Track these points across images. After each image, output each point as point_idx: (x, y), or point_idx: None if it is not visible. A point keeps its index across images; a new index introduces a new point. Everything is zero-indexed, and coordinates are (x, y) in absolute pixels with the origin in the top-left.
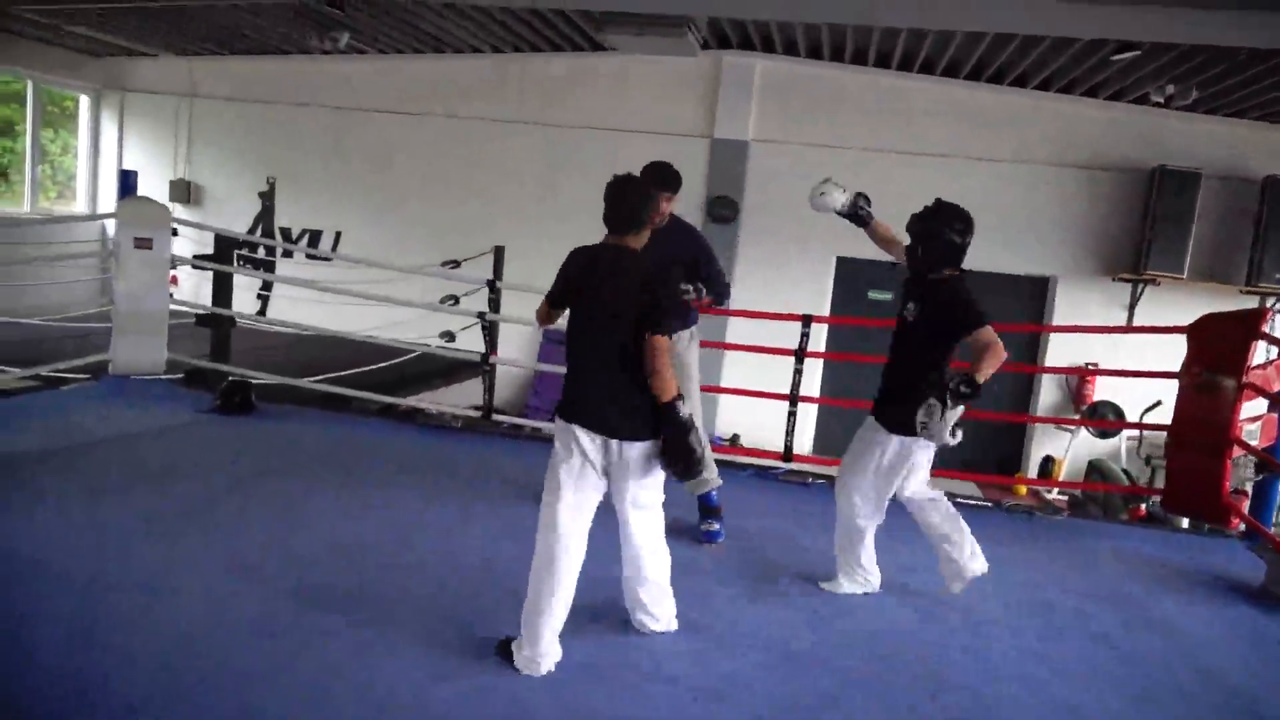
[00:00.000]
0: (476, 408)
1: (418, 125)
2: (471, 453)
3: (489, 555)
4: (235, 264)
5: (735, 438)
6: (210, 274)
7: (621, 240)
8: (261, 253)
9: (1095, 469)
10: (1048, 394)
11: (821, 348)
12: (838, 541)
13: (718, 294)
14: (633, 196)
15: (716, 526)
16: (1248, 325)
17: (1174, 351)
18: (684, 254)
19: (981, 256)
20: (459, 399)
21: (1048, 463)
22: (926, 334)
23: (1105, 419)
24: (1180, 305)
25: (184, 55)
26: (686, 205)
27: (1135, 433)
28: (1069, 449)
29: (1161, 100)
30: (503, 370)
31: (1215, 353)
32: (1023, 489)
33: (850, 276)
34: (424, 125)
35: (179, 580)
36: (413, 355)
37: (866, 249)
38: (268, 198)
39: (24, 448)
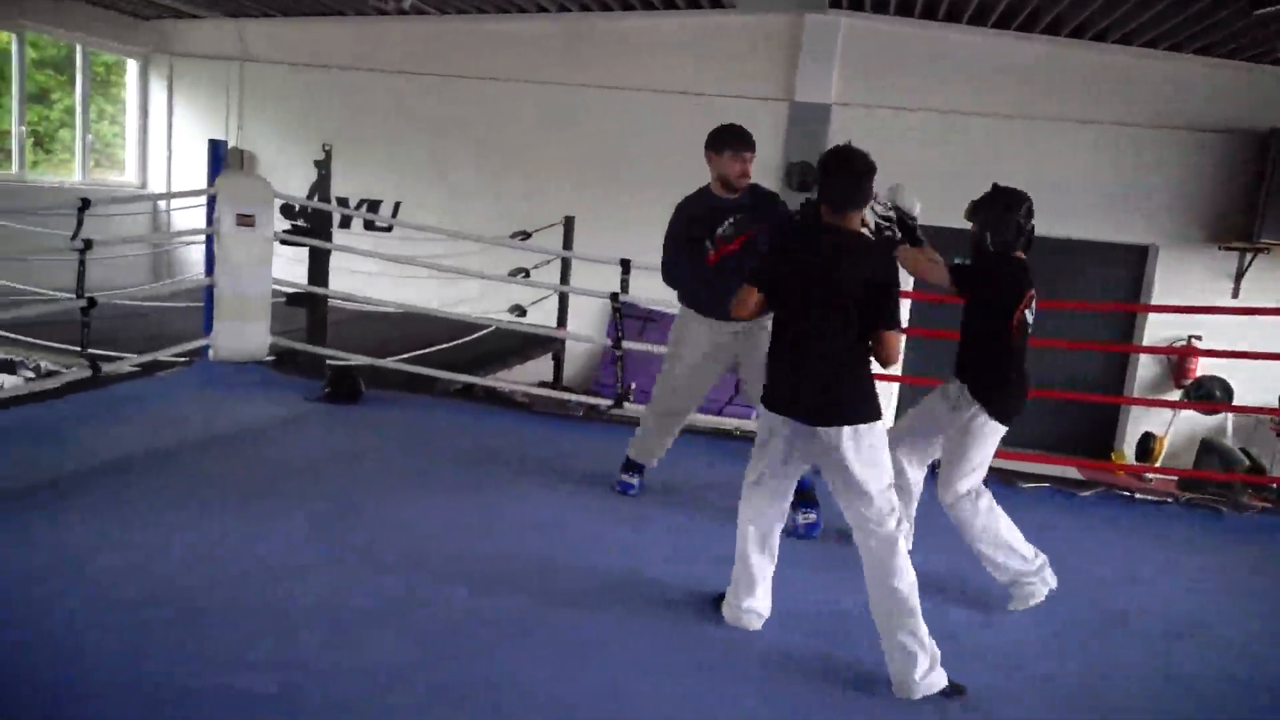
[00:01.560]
0: (544, 384)
1: (482, 89)
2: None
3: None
4: (332, 240)
5: None
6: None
7: (844, 220)
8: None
9: (1210, 449)
10: (1146, 367)
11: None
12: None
13: None
14: (861, 168)
15: (814, 517)
16: None
17: None
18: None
19: (1080, 224)
20: (529, 376)
21: (1148, 440)
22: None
23: (1212, 397)
24: None
25: (235, 17)
26: (764, 171)
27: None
28: (1170, 425)
29: None
30: (569, 345)
31: None
32: (1121, 458)
33: (933, 243)
34: (489, 89)
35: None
36: (488, 330)
37: (948, 217)
38: (323, 165)
39: (141, 444)
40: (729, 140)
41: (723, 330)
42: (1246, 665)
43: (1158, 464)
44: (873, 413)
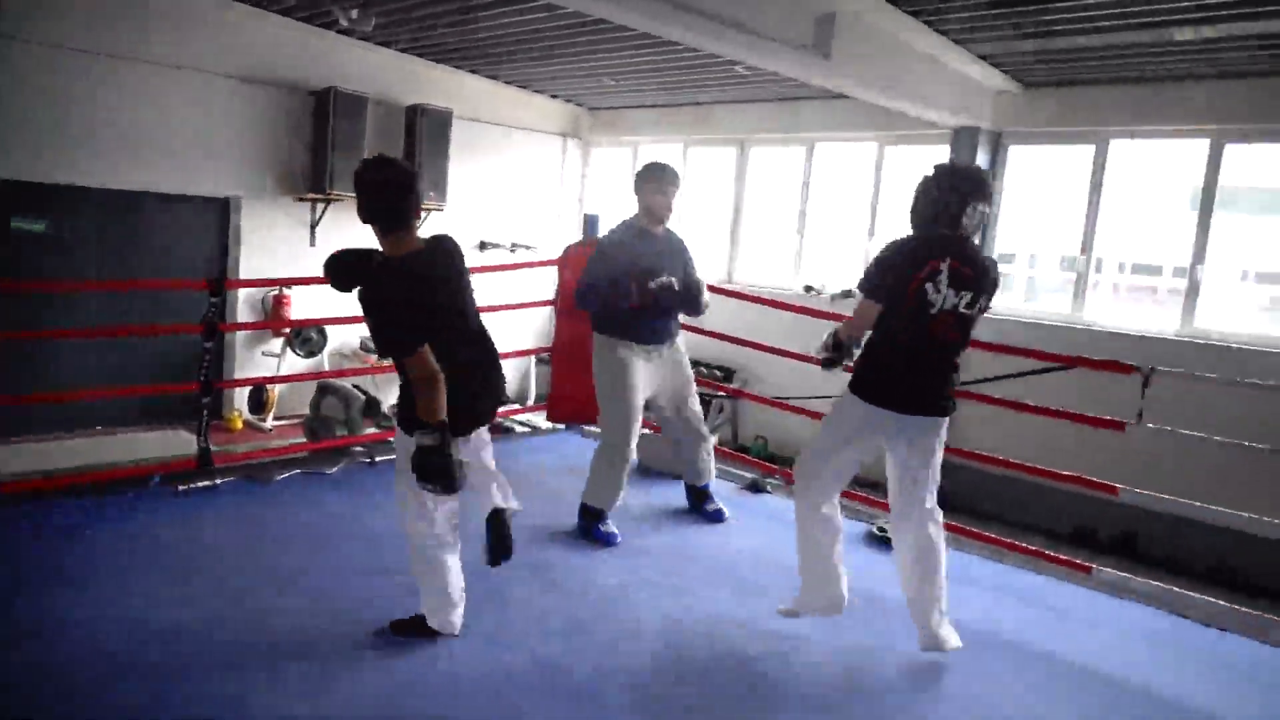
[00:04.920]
0: None
1: None
2: None
3: None
4: None
5: None
6: None
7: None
8: None
9: (328, 389)
10: (243, 320)
11: None
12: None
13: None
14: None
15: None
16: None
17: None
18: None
19: (153, 177)
20: None
21: (260, 393)
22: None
23: (310, 341)
24: (357, 220)
25: None
26: None
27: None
28: (276, 373)
29: (346, 24)
30: None
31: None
32: (238, 424)
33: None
34: None
35: None
36: None
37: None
38: None
39: None
40: (651, 174)
41: (651, 355)
42: None
43: (273, 413)
44: None
